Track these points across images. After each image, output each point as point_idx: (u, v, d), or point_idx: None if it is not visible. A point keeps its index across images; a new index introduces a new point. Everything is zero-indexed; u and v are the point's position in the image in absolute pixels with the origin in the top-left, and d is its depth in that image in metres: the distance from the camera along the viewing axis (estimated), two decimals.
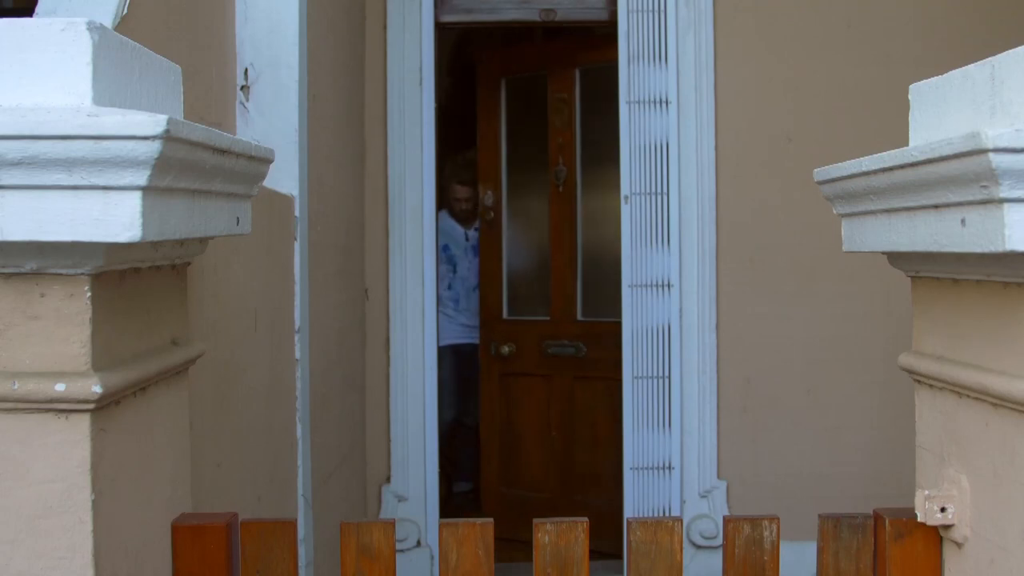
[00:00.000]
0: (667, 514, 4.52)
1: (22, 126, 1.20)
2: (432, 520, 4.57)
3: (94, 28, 1.29)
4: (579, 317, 5.06)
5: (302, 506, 2.99)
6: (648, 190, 4.54)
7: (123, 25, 1.96)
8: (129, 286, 1.45)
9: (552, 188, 5.18)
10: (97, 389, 1.30)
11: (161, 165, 1.24)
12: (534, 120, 5.21)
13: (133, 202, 1.24)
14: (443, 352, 5.36)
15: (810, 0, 4.56)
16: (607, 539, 4.56)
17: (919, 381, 1.67)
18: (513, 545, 4.00)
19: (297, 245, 3.01)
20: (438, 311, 4.92)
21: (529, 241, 5.32)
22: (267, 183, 2.35)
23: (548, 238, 5.17)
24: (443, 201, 5.36)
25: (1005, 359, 1.40)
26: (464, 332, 5.85)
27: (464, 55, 8.17)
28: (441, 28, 4.75)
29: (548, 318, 5.20)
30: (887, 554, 1.62)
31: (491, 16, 4.80)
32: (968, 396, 1.50)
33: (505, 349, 5.27)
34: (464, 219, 5.83)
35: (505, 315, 5.35)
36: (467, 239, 5.83)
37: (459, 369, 5.84)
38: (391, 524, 1.67)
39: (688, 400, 4.55)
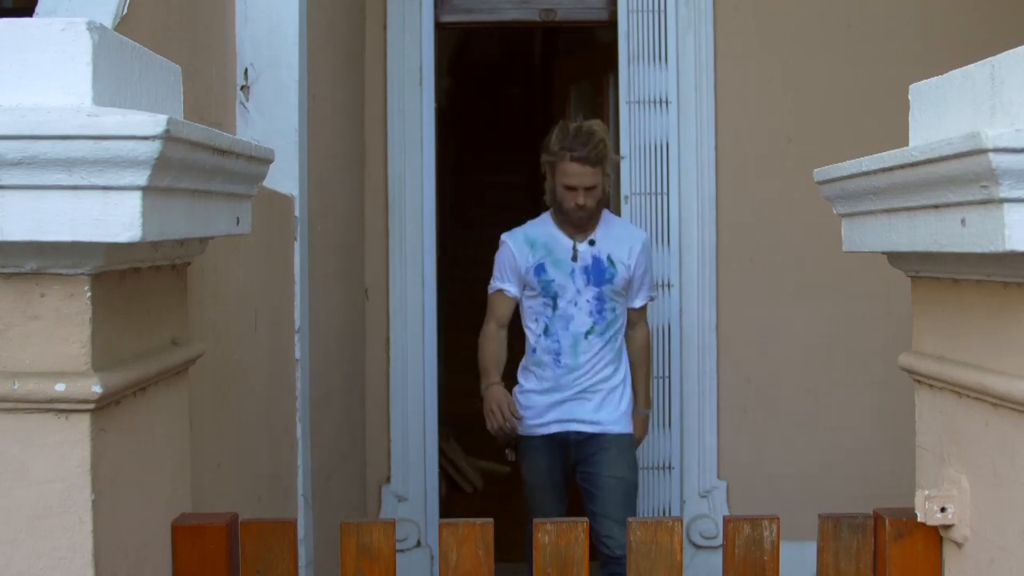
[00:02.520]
0: (667, 514, 4.51)
1: (22, 126, 1.20)
2: (432, 520, 4.56)
3: (94, 28, 1.29)
4: None
5: (302, 506, 2.99)
6: (648, 190, 4.54)
7: (123, 25, 1.96)
8: (129, 286, 1.45)
9: None
10: (97, 389, 1.30)
11: (161, 165, 1.24)
12: None
13: (133, 202, 1.24)
14: (534, 445, 3.52)
15: (810, 0, 4.56)
16: None
17: (919, 381, 1.67)
18: None
19: (297, 245, 3.01)
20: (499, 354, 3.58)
21: None
22: (267, 183, 2.35)
23: None
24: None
25: (1005, 359, 1.40)
26: (570, 409, 3.49)
27: (464, 55, 8.18)
28: (441, 28, 4.75)
29: None
30: (887, 554, 1.62)
31: (491, 16, 4.81)
32: (968, 396, 1.50)
33: None
34: (578, 225, 3.50)
35: None
36: (575, 257, 3.49)
37: (566, 475, 3.58)
38: (391, 524, 1.67)
39: (688, 400, 4.54)
